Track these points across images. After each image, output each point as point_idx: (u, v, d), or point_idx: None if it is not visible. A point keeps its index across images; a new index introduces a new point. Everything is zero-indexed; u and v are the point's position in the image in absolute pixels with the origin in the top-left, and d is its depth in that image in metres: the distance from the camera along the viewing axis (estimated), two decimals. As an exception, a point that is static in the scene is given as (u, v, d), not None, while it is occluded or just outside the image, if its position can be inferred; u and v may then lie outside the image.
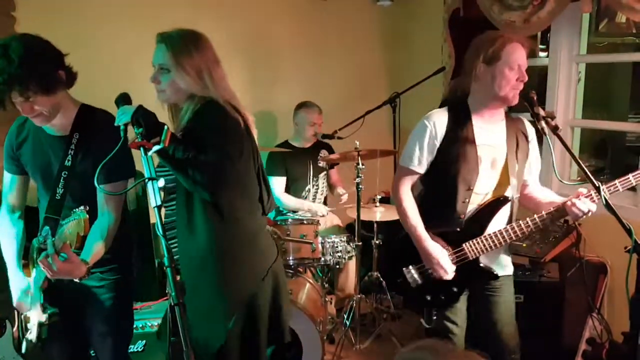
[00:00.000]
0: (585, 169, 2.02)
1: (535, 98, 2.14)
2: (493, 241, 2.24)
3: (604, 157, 4.42)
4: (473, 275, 2.31)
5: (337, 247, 3.46)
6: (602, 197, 1.98)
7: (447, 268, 2.24)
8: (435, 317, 2.36)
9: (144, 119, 1.74)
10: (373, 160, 3.61)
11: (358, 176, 3.40)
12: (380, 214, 3.59)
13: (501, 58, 2.15)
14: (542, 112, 2.13)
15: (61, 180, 2.03)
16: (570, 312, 2.94)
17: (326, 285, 3.59)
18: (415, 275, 2.35)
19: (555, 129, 2.10)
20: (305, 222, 3.42)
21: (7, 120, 2.17)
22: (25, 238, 2.19)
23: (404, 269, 2.36)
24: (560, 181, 2.29)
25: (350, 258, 3.56)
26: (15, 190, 2.18)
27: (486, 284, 2.34)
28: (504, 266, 2.37)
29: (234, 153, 1.95)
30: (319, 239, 3.38)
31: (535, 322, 2.61)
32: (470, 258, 2.27)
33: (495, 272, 2.30)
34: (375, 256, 3.71)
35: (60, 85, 1.93)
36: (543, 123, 2.11)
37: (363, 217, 3.49)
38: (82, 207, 1.76)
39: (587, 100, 3.51)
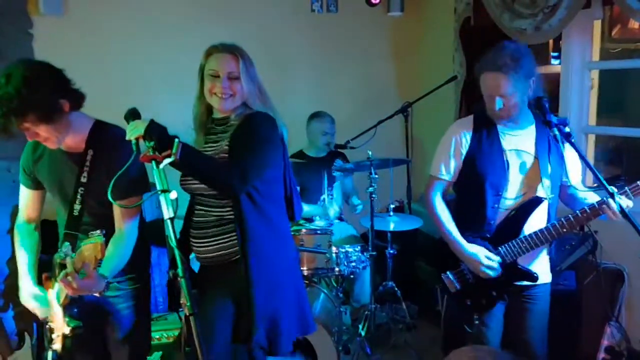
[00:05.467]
0: (599, 175, 2.01)
1: (547, 105, 2.14)
2: (529, 243, 2.22)
3: (620, 164, 4.38)
4: (512, 279, 2.29)
5: (351, 257, 3.45)
6: (617, 204, 1.97)
7: (491, 265, 2.23)
8: (477, 322, 2.33)
9: (156, 132, 1.78)
10: (386, 169, 3.62)
11: (371, 186, 3.40)
12: (393, 223, 3.58)
13: (480, 84, 2.24)
14: (554, 119, 2.13)
15: (78, 197, 2.05)
16: (588, 321, 2.91)
17: (341, 296, 3.59)
18: (453, 280, 2.36)
19: (567, 136, 2.10)
20: (319, 231, 3.42)
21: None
22: (40, 249, 2.23)
23: (441, 274, 2.37)
24: (574, 188, 2.28)
25: (364, 268, 3.56)
26: (31, 203, 2.22)
27: (523, 291, 2.33)
28: (542, 272, 2.33)
29: (270, 157, 2.07)
30: (333, 248, 3.38)
31: (553, 330, 2.58)
32: (507, 261, 2.25)
33: (535, 275, 2.27)
34: (390, 266, 3.70)
35: (61, 113, 1.91)
36: (555, 130, 2.11)
37: (377, 226, 3.49)
38: (99, 231, 1.78)
39: (602, 106, 3.49)
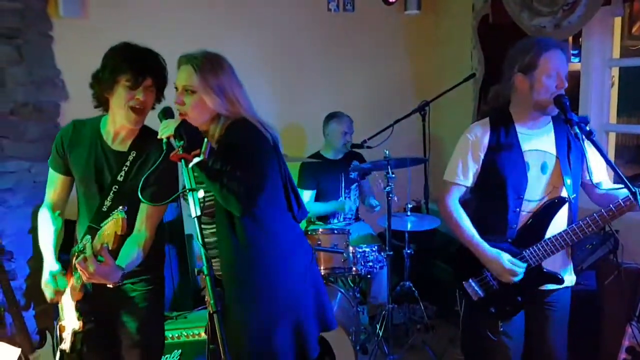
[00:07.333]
0: (622, 173, 1.98)
1: (568, 103, 2.12)
2: (554, 245, 2.17)
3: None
4: (537, 283, 2.24)
5: (368, 256, 3.45)
6: (639, 203, 1.94)
7: (514, 270, 2.16)
8: (502, 329, 2.27)
9: (186, 132, 1.81)
10: (403, 169, 3.61)
11: (388, 185, 3.39)
12: (411, 223, 3.57)
13: (538, 66, 2.11)
14: (575, 117, 2.10)
15: (111, 194, 2.10)
16: (609, 321, 2.87)
17: (358, 295, 3.59)
18: (476, 288, 2.28)
19: (589, 135, 2.07)
20: (336, 231, 3.43)
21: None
22: (62, 235, 2.22)
23: (463, 282, 2.30)
24: (596, 187, 2.25)
25: (381, 268, 3.56)
26: (58, 188, 2.22)
27: (546, 297, 2.28)
28: (566, 276, 2.28)
29: (265, 168, 2.01)
30: (350, 248, 3.38)
31: (573, 331, 2.56)
32: (532, 265, 2.20)
33: (561, 277, 2.21)
34: (407, 266, 3.69)
35: (162, 92, 2.15)
36: (576, 128, 2.08)
37: (394, 226, 3.48)
38: (120, 207, 1.79)
39: (622, 104, 3.44)
